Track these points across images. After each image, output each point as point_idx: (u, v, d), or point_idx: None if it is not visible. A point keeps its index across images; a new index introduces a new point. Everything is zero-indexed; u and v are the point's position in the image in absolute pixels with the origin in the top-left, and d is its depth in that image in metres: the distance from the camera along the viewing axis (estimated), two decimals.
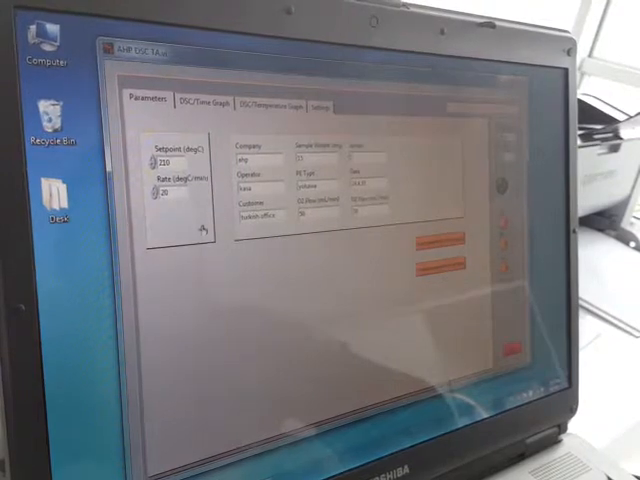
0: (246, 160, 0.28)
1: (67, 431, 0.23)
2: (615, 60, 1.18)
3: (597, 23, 1.19)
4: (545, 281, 0.41)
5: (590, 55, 1.20)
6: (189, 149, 0.26)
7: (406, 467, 0.33)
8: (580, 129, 0.67)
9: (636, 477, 0.41)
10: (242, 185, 0.28)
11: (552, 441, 0.42)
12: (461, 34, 0.34)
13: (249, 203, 0.28)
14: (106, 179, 0.24)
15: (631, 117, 0.72)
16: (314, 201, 0.30)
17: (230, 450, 0.28)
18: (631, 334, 0.64)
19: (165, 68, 0.25)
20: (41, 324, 0.22)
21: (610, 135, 0.74)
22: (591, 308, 0.67)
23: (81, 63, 0.23)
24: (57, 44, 0.22)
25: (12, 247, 0.22)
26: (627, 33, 1.22)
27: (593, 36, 1.20)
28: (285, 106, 0.29)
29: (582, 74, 1.20)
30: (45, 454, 0.23)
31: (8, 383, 0.22)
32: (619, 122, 0.74)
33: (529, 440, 0.40)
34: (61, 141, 0.23)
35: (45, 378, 0.23)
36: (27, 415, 0.22)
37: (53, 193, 0.23)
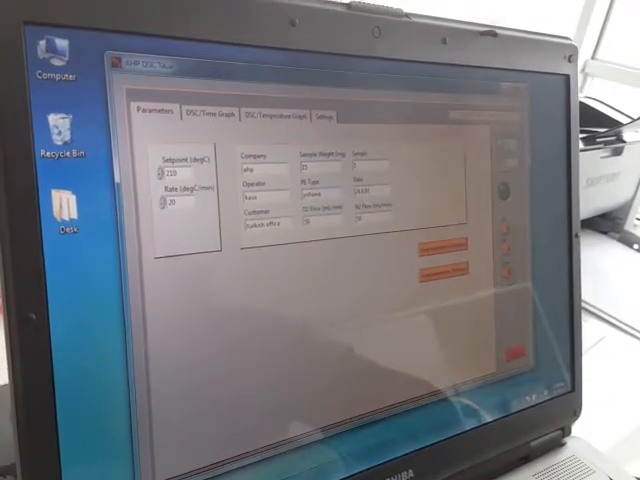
0: (251, 170, 0.28)
1: (77, 438, 0.24)
2: (618, 61, 1.18)
3: (600, 25, 1.20)
4: (548, 285, 0.41)
5: (593, 57, 1.20)
6: (195, 160, 0.27)
7: (410, 471, 0.34)
8: (583, 132, 0.67)
9: None
10: (248, 194, 0.28)
11: (556, 444, 0.42)
12: (463, 43, 0.35)
13: (255, 212, 0.28)
14: (115, 190, 0.24)
15: (634, 120, 0.73)
16: (318, 209, 0.30)
17: (237, 455, 0.28)
18: (635, 337, 0.64)
19: (172, 80, 0.26)
20: (52, 333, 0.23)
21: (613, 138, 0.74)
22: (595, 311, 0.67)
23: (90, 77, 0.24)
24: (66, 59, 0.23)
25: (23, 257, 0.22)
26: (630, 34, 1.22)
27: (596, 38, 1.20)
28: (289, 116, 0.29)
29: (585, 76, 1.20)
30: (55, 460, 0.23)
31: (19, 390, 0.22)
32: (622, 125, 0.74)
33: (533, 443, 0.40)
34: (71, 153, 0.23)
35: (55, 385, 0.23)
36: (38, 421, 0.23)
37: (63, 204, 0.23)
